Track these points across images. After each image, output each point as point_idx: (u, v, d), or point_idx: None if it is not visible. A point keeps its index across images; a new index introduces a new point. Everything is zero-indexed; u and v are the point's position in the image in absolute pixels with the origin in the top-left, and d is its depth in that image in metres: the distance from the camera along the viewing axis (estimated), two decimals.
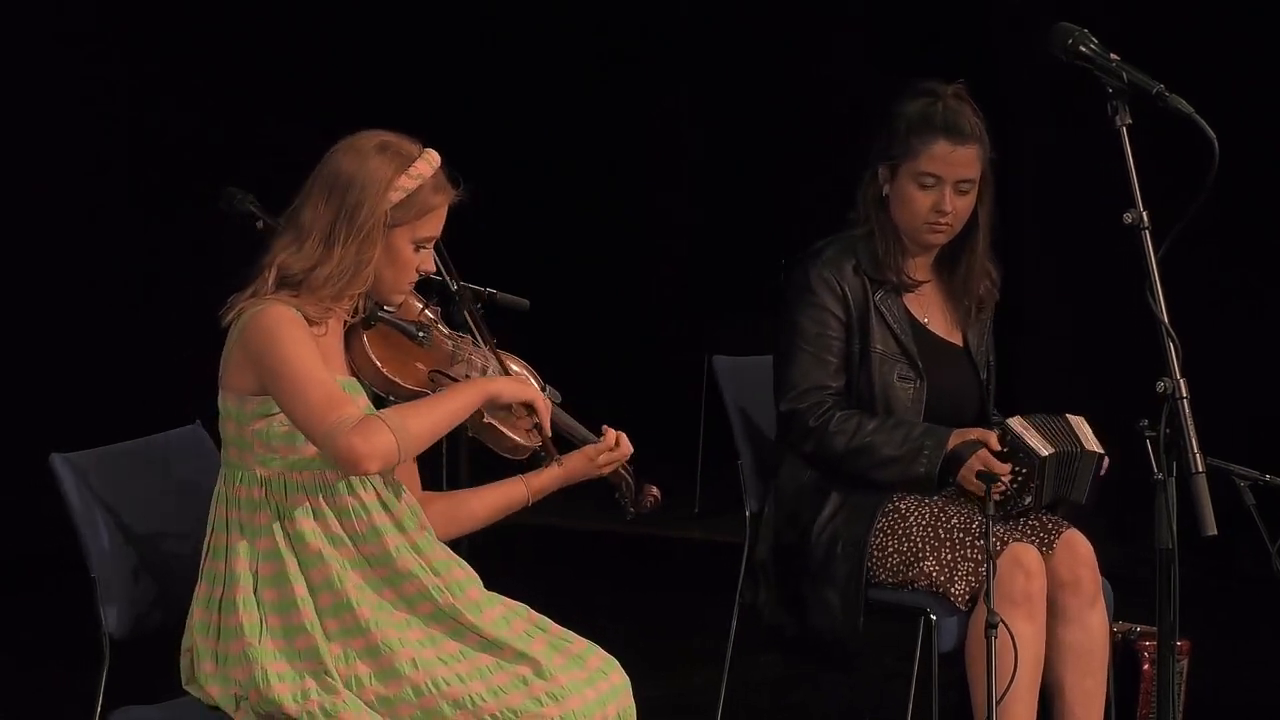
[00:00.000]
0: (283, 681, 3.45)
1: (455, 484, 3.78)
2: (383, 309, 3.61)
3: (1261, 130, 6.58)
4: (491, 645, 3.53)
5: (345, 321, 3.59)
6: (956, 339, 4.59)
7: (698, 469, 7.79)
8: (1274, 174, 6.79)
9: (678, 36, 9.05)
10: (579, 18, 8.92)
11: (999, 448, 4.35)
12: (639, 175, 9.17)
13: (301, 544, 3.51)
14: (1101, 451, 4.44)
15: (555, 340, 3.85)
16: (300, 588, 3.50)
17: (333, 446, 3.39)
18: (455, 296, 3.72)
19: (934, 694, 4.40)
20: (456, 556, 3.65)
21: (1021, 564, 4.26)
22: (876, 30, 8.07)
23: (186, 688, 3.57)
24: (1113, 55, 3.38)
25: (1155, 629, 3.41)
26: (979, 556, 4.30)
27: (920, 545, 4.37)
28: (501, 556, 3.74)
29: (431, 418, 3.48)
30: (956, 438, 4.39)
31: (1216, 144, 3.26)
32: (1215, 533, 3.19)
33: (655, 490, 3.88)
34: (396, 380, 3.58)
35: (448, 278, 3.68)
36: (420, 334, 3.63)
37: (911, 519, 4.40)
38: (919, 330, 4.52)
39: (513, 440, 3.69)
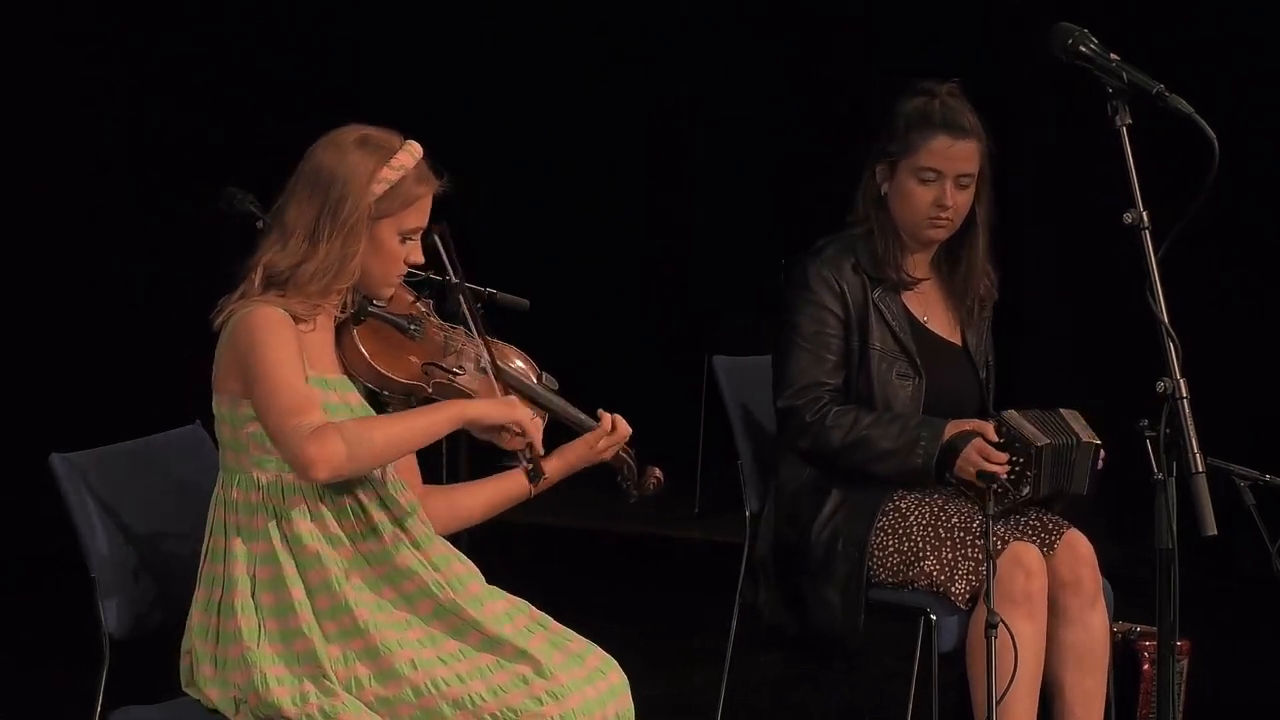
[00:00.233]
0: (281, 685, 3.45)
1: (456, 477, 3.78)
2: (373, 303, 3.60)
3: (1261, 130, 6.58)
4: (491, 644, 3.53)
5: (336, 318, 3.58)
6: (956, 338, 4.60)
7: (698, 469, 7.79)
8: (1274, 174, 6.79)
9: (678, 36, 9.05)
10: (579, 18, 8.92)
11: (995, 438, 4.35)
12: (639, 175, 9.17)
13: (299, 546, 3.51)
14: (1098, 442, 4.44)
15: (555, 340, 3.85)
16: (298, 591, 3.49)
17: (287, 450, 3.40)
18: (445, 286, 3.71)
19: (934, 694, 4.40)
20: (457, 551, 3.65)
21: (1022, 563, 4.26)
22: (876, 30, 8.07)
23: (186, 690, 3.57)
24: (1113, 55, 3.38)
25: (1155, 629, 3.41)
26: (979, 555, 4.30)
27: (920, 544, 4.37)
28: (500, 556, 3.74)
29: (396, 432, 3.46)
30: (953, 428, 4.39)
31: (1216, 144, 3.26)
32: (1215, 533, 3.19)
33: (658, 471, 3.88)
34: (388, 374, 3.58)
35: (452, 274, 3.67)
36: (412, 327, 3.63)
37: (912, 518, 4.40)
38: (918, 328, 4.52)
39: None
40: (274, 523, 3.50)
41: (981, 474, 4.31)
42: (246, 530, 3.51)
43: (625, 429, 3.81)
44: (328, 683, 3.45)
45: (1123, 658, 4.64)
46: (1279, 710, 5.60)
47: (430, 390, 3.61)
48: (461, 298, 3.66)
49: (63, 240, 7.32)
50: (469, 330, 3.68)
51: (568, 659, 3.56)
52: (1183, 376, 3.25)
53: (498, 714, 3.46)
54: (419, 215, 3.58)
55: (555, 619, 3.67)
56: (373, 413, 3.61)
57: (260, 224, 4.20)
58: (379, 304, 3.62)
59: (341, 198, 3.50)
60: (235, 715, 3.48)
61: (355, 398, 3.59)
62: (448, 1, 8.78)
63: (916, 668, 4.35)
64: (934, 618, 4.32)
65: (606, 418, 3.80)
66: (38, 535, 5.16)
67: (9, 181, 7.16)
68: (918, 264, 4.55)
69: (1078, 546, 4.40)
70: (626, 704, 3.58)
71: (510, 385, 3.70)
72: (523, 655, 3.51)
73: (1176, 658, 3.43)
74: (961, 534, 4.36)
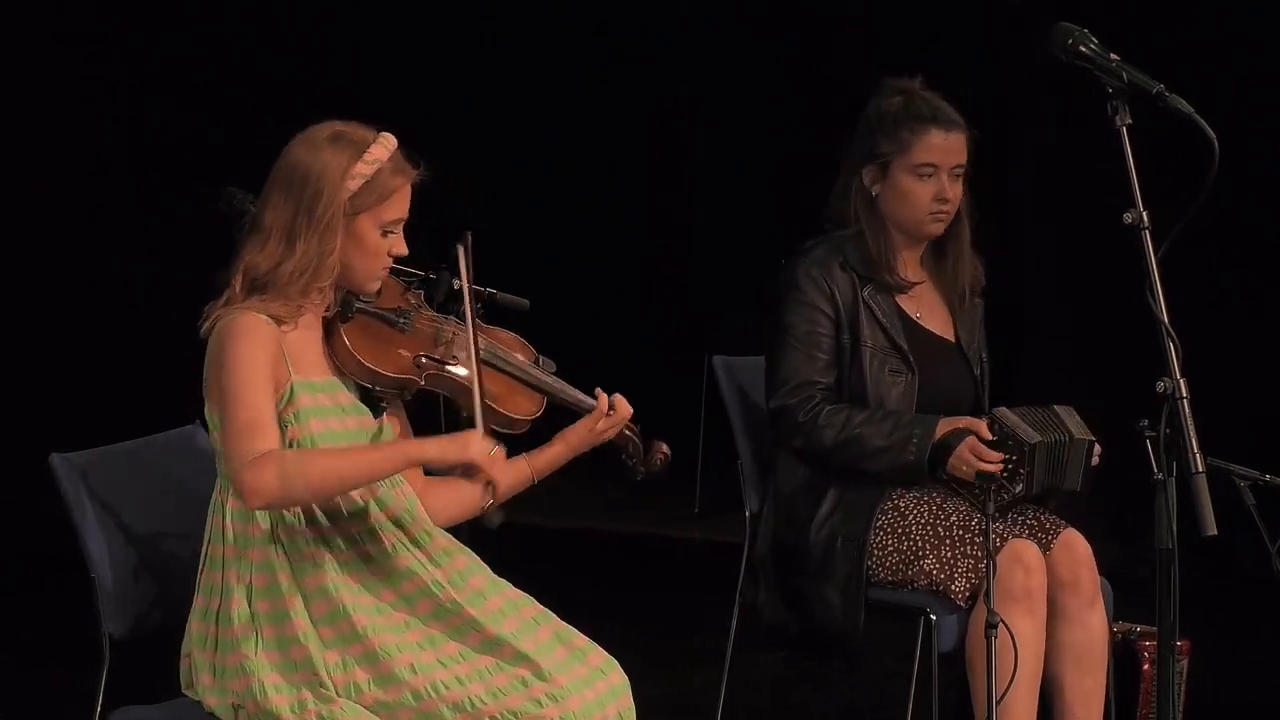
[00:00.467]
0: (279, 693, 3.44)
1: (455, 469, 3.75)
2: (360, 299, 3.59)
3: (1261, 130, 6.58)
4: (492, 645, 3.52)
5: (324, 316, 3.57)
6: (949, 334, 4.60)
7: (698, 469, 7.79)
8: (1274, 174, 6.79)
9: (678, 36, 9.05)
10: (579, 18, 8.92)
11: (989, 436, 4.35)
12: (639, 175, 9.17)
13: (295, 551, 3.50)
14: (1091, 439, 4.44)
15: (555, 340, 3.84)
16: (294, 598, 3.48)
17: (229, 473, 3.40)
18: (434, 278, 3.70)
19: (934, 694, 4.40)
20: (459, 544, 3.64)
21: (1021, 560, 4.26)
22: (876, 30, 8.07)
23: (185, 690, 3.57)
24: (1113, 55, 3.39)
25: (1155, 629, 3.42)
26: (979, 553, 4.30)
27: (920, 543, 4.37)
28: (500, 556, 3.73)
29: (336, 467, 3.43)
30: (945, 425, 4.39)
31: (1216, 144, 3.26)
32: (1215, 533, 3.19)
33: (664, 447, 3.86)
34: (378, 369, 3.56)
35: (463, 279, 3.64)
36: (400, 320, 3.61)
37: (911, 517, 4.40)
38: (910, 325, 4.52)
39: (507, 416, 3.67)
40: (269, 529, 3.49)
41: (980, 475, 4.31)
42: (242, 537, 3.51)
43: (625, 409, 3.78)
44: (324, 690, 3.44)
45: (1123, 658, 4.64)
46: (1279, 710, 5.60)
47: (423, 382, 3.59)
48: (464, 295, 3.63)
49: (63, 240, 7.32)
50: (460, 320, 3.65)
51: (570, 655, 3.56)
52: (1183, 376, 3.25)
53: (498, 717, 3.45)
54: (398, 207, 3.56)
55: (559, 619, 3.66)
56: (366, 412, 3.60)
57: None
58: (366, 299, 3.60)
59: (316, 195, 3.48)
60: None
61: (346, 397, 3.58)
62: (448, 1, 8.78)
63: (916, 668, 4.35)
64: (934, 617, 4.32)
65: (604, 398, 3.77)
66: (38, 535, 5.16)
67: (9, 181, 7.16)
68: (910, 266, 4.55)
69: (1075, 546, 4.40)
70: (627, 704, 3.58)
71: (506, 371, 3.69)
72: (523, 658, 3.51)
73: (1176, 658, 3.43)
74: (960, 532, 4.36)
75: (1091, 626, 4.39)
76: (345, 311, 3.57)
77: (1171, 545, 3.28)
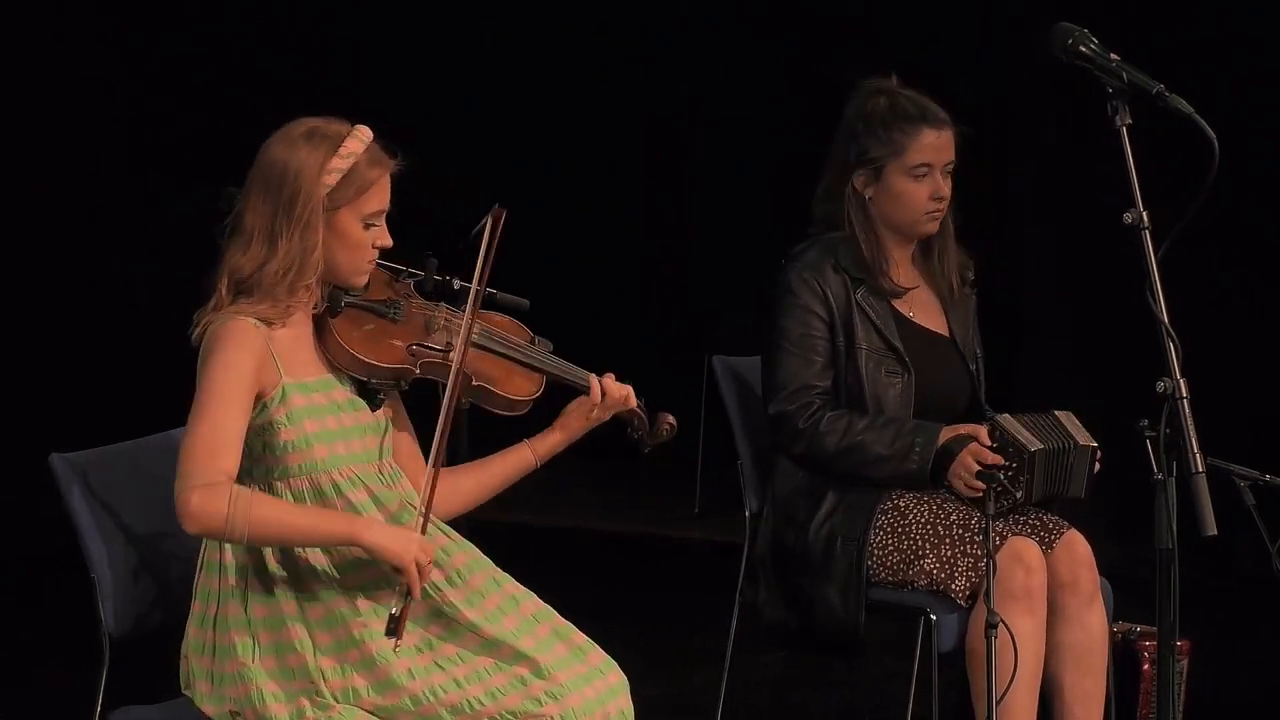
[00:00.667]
0: (278, 701, 3.44)
1: (456, 459, 3.75)
2: (348, 293, 3.57)
3: (1261, 130, 6.58)
4: (489, 646, 3.51)
5: (313, 313, 3.55)
6: (943, 329, 4.60)
7: (698, 469, 7.79)
8: (1274, 174, 6.79)
9: (677, 36, 9.05)
10: (579, 18, 8.92)
11: (990, 442, 4.35)
12: (639, 175, 9.16)
13: (290, 557, 3.49)
14: (1095, 445, 4.44)
15: (555, 340, 3.84)
16: (289, 605, 3.48)
17: (178, 490, 3.37)
18: (421, 269, 3.68)
19: (934, 694, 4.40)
20: (461, 540, 3.62)
21: (1022, 559, 4.26)
22: (877, 30, 8.07)
23: (185, 690, 3.57)
24: (1113, 55, 3.39)
25: (1155, 629, 3.42)
26: (979, 553, 4.30)
27: (920, 543, 4.37)
28: (500, 556, 3.73)
29: (280, 520, 3.40)
30: (948, 433, 4.39)
31: (1216, 144, 3.27)
32: (1215, 533, 3.19)
33: (670, 418, 3.84)
34: (372, 362, 3.55)
35: (480, 254, 3.59)
36: (391, 310, 3.60)
37: (911, 516, 4.40)
38: (904, 324, 4.52)
39: (506, 398, 3.66)
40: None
41: (980, 474, 4.31)
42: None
43: (616, 394, 3.75)
44: (321, 698, 3.44)
45: (1123, 658, 4.64)
46: (1279, 710, 5.60)
47: (419, 371, 3.58)
48: (475, 272, 3.59)
49: (63, 240, 7.32)
50: (452, 308, 3.64)
51: (570, 653, 3.55)
52: (1183, 376, 3.25)
53: (496, 717, 3.45)
54: (378, 198, 3.54)
55: (559, 615, 3.66)
56: (363, 406, 3.58)
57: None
58: (355, 293, 3.58)
59: (294, 194, 3.47)
60: None
61: (342, 393, 3.56)
62: (448, 1, 8.78)
63: (916, 668, 4.35)
64: (934, 617, 4.32)
65: (595, 387, 3.75)
66: (38, 535, 5.16)
67: (9, 181, 7.16)
68: (902, 266, 4.55)
69: (1076, 547, 4.40)
70: (626, 704, 3.58)
71: (502, 354, 3.68)
72: (521, 656, 3.50)
73: (1176, 658, 3.43)
74: (961, 531, 4.36)
75: (1091, 626, 4.39)
76: (334, 306, 3.55)
77: (1171, 545, 3.28)
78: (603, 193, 9.10)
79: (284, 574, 3.49)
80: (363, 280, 3.59)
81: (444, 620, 3.53)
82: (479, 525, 4.05)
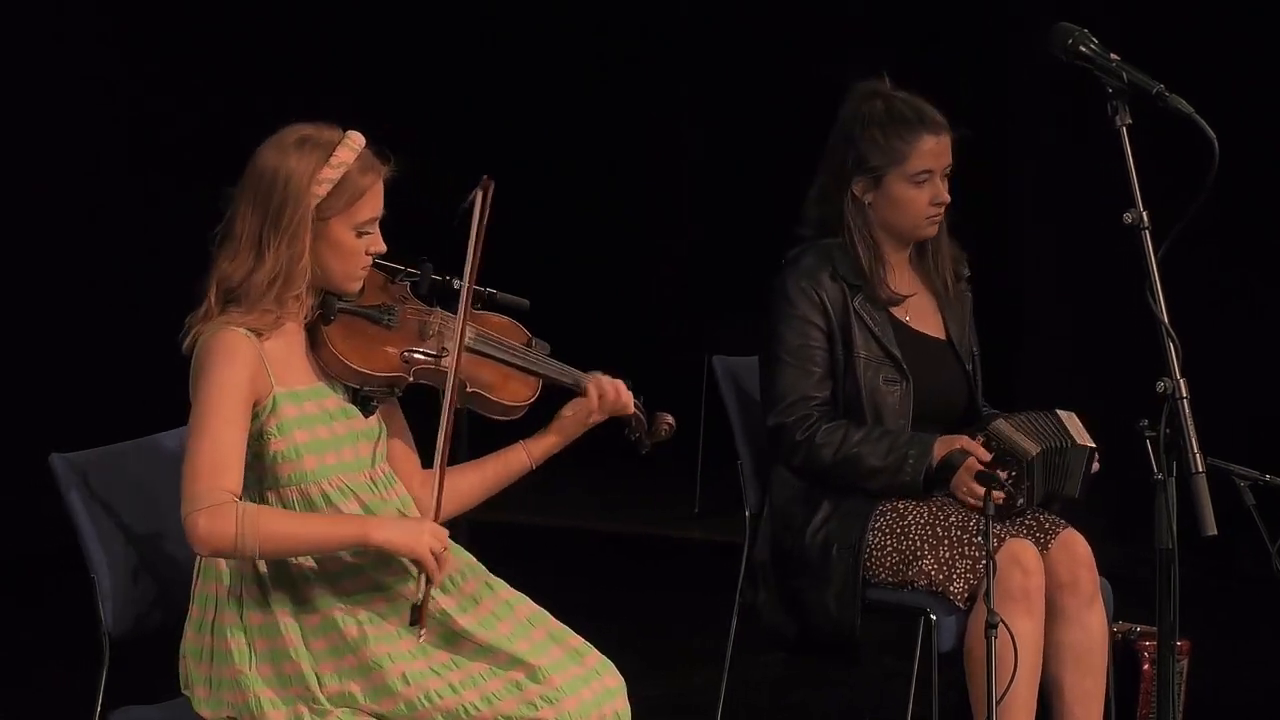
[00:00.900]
0: (275, 708, 3.44)
1: (454, 459, 3.74)
2: (341, 299, 3.55)
3: (1261, 130, 6.58)
4: (484, 651, 3.51)
5: (305, 320, 3.53)
6: (940, 332, 4.59)
7: (698, 469, 7.79)
8: (1274, 174, 6.79)
9: (678, 37, 9.05)
10: (579, 18, 8.92)
11: (986, 456, 4.35)
12: (639, 175, 9.16)
13: (285, 563, 3.48)
14: (1092, 446, 4.43)
15: (555, 340, 3.83)
16: (284, 612, 3.47)
17: (185, 512, 3.36)
18: (417, 271, 3.66)
19: (934, 694, 4.40)
20: (454, 546, 3.60)
21: (1019, 561, 4.26)
22: (876, 30, 8.07)
23: (185, 691, 3.56)
24: (1113, 55, 3.39)
25: (1155, 629, 3.42)
26: (977, 554, 4.30)
27: (918, 544, 4.37)
28: (500, 556, 3.73)
29: (289, 533, 3.40)
30: (942, 445, 4.38)
31: (1216, 144, 3.26)
32: (1215, 533, 3.19)
33: (669, 418, 3.82)
34: (365, 370, 3.52)
35: (472, 234, 3.54)
36: (385, 317, 3.57)
37: (910, 517, 4.40)
38: (901, 330, 4.51)
39: (502, 404, 3.65)
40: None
41: (980, 475, 4.31)
42: None
43: (613, 397, 3.74)
44: (318, 705, 3.43)
45: (1123, 658, 4.64)
46: (1279, 710, 5.60)
47: (413, 378, 3.56)
48: (467, 257, 3.56)
49: (63, 240, 7.31)
50: (448, 313, 3.61)
51: (566, 656, 3.55)
52: (1183, 376, 3.25)
53: None
54: (370, 206, 3.50)
55: (554, 619, 3.66)
56: (356, 414, 3.56)
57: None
58: (347, 300, 3.55)
59: (282, 203, 3.44)
60: None
61: (334, 401, 3.55)
62: (448, 1, 8.78)
63: (916, 668, 4.35)
64: (934, 618, 4.32)
65: (593, 393, 3.73)
66: (38, 535, 5.16)
67: (9, 181, 7.16)
68: (899, 271, 4.53)
69: (1075, 547, 4.39)
70: (623, 705, 3.57)
71: (498, 359, 3.66)
72: (517, 661, 3.49)
73: (1176, 658, 3.43)
74: (959, 533, 4.36)
75: (1090, 627, 4.39)
76: (327, 313, 3.53)
77: (1171, 545, 3.28)
78: (603, 193, 9.10)
79: (279, 581, 3.48)
80: (356, 286, 3.56)
81: (438, 627, 3.52)
82: (478, 525, 4.05)
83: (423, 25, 8.73)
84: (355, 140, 3.50)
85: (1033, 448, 4.34)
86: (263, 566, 3.47)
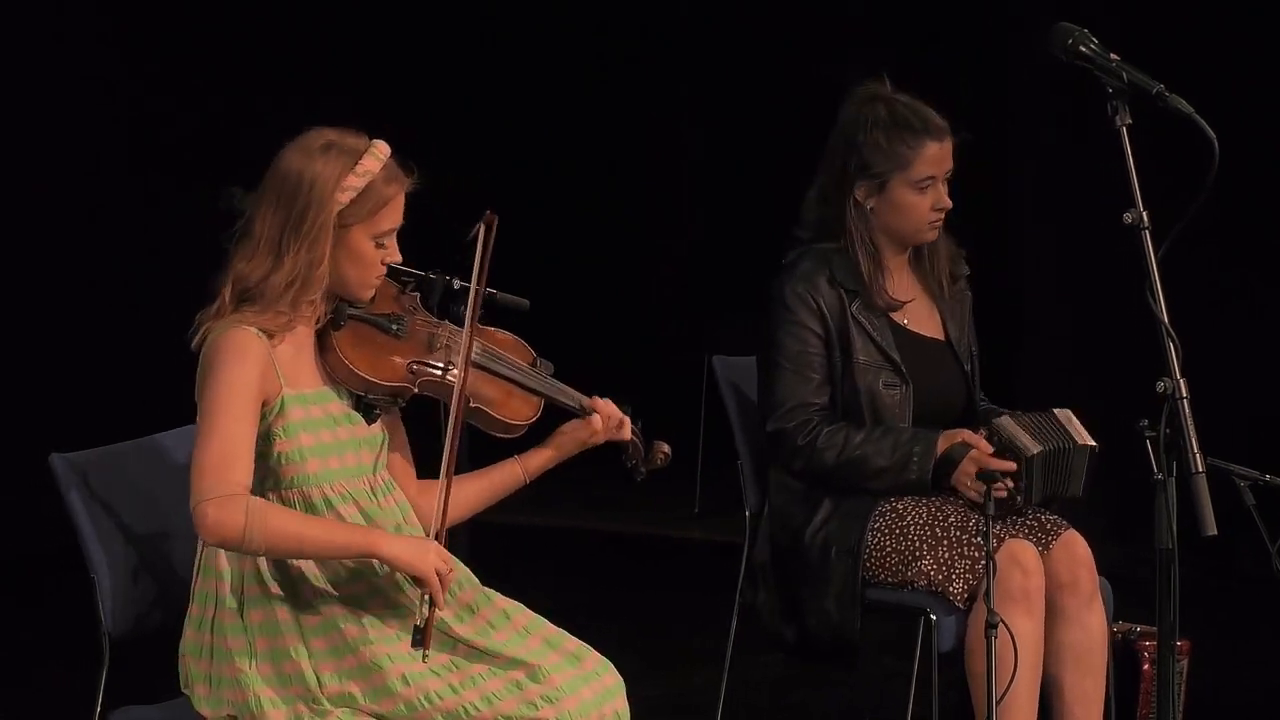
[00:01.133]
0: (275, 707, 3.43)
1: (454, 470, 3.74)
2: (352, 306, 3.55)
3: (1261, 130, 6.58)
4: (483, 654, 3.51)
5: (316, 325, 3.53)
6: (939, 333, 4.58)
7: (698, 469, 7.79)
8: (1274, 174, 6.79)
9: (678, 36, 9.05)
10: (579, 18, 8.92)
11: (989, 449, 4.35)
12: (639, 175, 9.17)
13: (286, 563, 3.48)
14: (1093, 444, 4.43)
15: (555, 340, 3.84)
16: (285, 611, 3.47)
17: (193, 504, 3.35)
18: (432, 279, 3.66)
19: (934, 694, 4.40)
20: (450, 557, 3.62)
21: (1019, 561, 4.26)
22: (876, 30, 8.07)
23: (185, 690, 3.56)
24: (1113, 55, 3.39)
25: (1155, 629, 3.42)
26: (976, 554, 4.30)
27: (918, 544, 4.37)
28: (500, 556, 3.74)
29: (297, 532, 3.40)
30: (945, 440, 4.38)
31: (1216, 144, 3.27)
32: (1215, 533, 3.19)
33: (665, 447, 3.82)
34: (372, 379, 3.53)
35: (475, 263, 3.56)
36: (394, 326, 3.58)
37: (909, 518, 4.40)
38: (900, 333, 4.50)
39: (503, 422, 3.66)
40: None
41: (980, 474, 4.31)
42: None
43: (615, 421, 3.74)
44: (317, 705, 3.44)
45: (1123, 658, 4.64)
46: (1279, 710, 5.60)
47: (417, 389, 3.56)
48: (472, 285, 3.56)
49: (63, 240, 7.32)
50: (456, 324, 3.62)
51: (563, 660, 3.54)
52: (1183, 376, 3.25)
53: None
54: (391, 217, 3.51)
55: (554, 619, 3.65)
56: (359, 420, 3.57)
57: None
58: (359, 307, 3.55)
59: (305, 208, 3.44)
60: None
61: (338, 406, 3.55)
62: (448, 2, 8.78)
63: (916, 668, 4.35)
64: (934, 618, 4.32)
65: (597, 419, 3.74)
66: (38, 535, 5.16)
67: (9, 181, 7.16)
68: (898, 274, 4.53)
69: (1075, 547, 4.39)
70: (622, 705, 3.56)
71: (502, 376, 3.67)
72: (517, 662, 3.49)
73: (1176, 658, 3.43)
74: (958, 533, 4.36)
75: (1090, 627, 4.38)
76: (338, 319, 3.53)
77: (1171, 545, 3.29)
78: (603, 193, 9.10)
79: (280, 580, 3.48)
80: (370, 295, 3.56)
81: (437, 634, 3.50)
82: (478, 526, 4.05)
83: (423, 25, 8.73)
84: (381, 149, 3.51)
85: (1033, 447, 4.34)
86: (264, 565, 3.47)
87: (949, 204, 4.46)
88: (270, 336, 3.45)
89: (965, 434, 4.40)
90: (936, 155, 4.43)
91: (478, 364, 3.61)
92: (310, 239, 3.44)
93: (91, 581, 3.69)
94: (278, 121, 3.60)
